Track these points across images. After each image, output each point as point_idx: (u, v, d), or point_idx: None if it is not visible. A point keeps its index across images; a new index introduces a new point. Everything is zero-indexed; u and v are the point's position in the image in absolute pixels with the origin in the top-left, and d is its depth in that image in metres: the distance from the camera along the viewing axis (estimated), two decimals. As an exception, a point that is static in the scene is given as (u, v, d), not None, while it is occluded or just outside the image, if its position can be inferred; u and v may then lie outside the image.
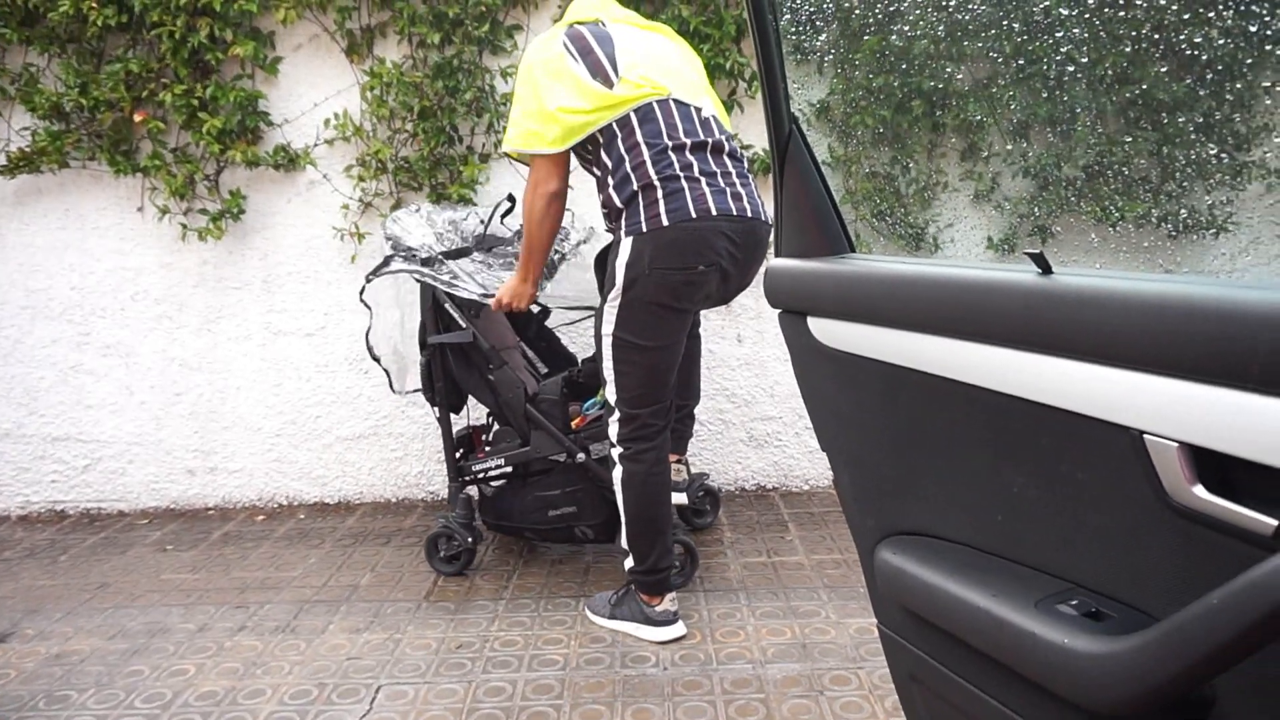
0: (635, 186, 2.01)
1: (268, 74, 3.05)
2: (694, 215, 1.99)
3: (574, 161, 2.18)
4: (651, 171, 2.00)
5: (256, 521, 3.19)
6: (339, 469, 3.31)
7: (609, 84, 2.03)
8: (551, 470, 2.50)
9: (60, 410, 3.29)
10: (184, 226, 3.13)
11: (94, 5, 2.87)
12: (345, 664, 2.15)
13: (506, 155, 2.30)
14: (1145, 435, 0.79)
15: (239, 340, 3.25)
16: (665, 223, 1.98)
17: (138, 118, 3.02)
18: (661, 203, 1.99)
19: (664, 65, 2.12)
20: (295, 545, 2.95)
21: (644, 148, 2.01)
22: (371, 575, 2.67)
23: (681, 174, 2.01)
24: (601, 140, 2.07)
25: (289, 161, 3.08)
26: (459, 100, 2.99)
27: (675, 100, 2.06)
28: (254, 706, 1.98)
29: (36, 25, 3.00)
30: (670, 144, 2.02)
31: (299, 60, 3.07)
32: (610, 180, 2.05)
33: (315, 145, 3.10)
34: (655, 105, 2.04)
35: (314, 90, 3.08)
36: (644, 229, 2.00)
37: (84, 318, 3.25)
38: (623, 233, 2.03)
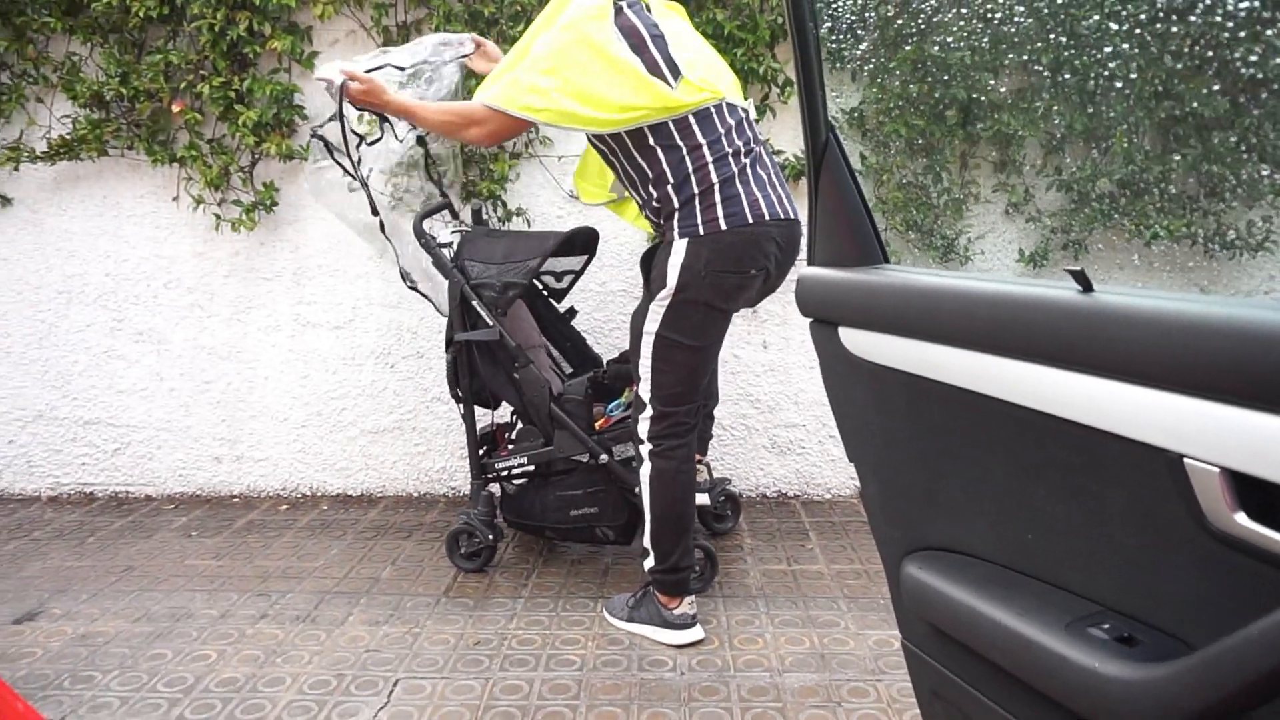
0: (695, 189, 2.01)
1: (304, 68, 3.08)
2: (750, 220, 2.01)
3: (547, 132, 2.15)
4: (714, 175, 2.00)
5: (280, 511, 3.23)
6: (363, 461, 3.34)
7: (669, 83, 1.99)
8: (574, 470, 2.51)
9: (92, 394, 3.35)
10: (218, 217, 3.17)
11: (137, -4, 2.91)
12: (364, 656, 2.17)
13: (487, 106, 2.03)
14: (1185, 459, 0.77)
15: (268, 331, 3.28)
16: (724, 227, 1.99)
17: (176, 108, 3.06)
18: (719, 206, 2.00)
19: (712, 63, 2.13)
20: (318, 536, 2.97)
21: (705, 149, 2.01)
22: (392, 569, 2.69)
23: (736, 175, 2.02)
24: (652, 137, 2.02)
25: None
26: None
27: (728, 104, 2.06)
28: (273, 694, 2.00)
29: (80, 15, 3.05)
30: (729, 150, 2.03)
31: (335, 55, 3.09)
32: (669, 179, 2.03)
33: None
34: (712, 109, 2.03)
35: (349, 85, 3.10)
36: (701, 232, 2.00)
37: (118, 304, 3.29)
38: (676, 234, 2.03)
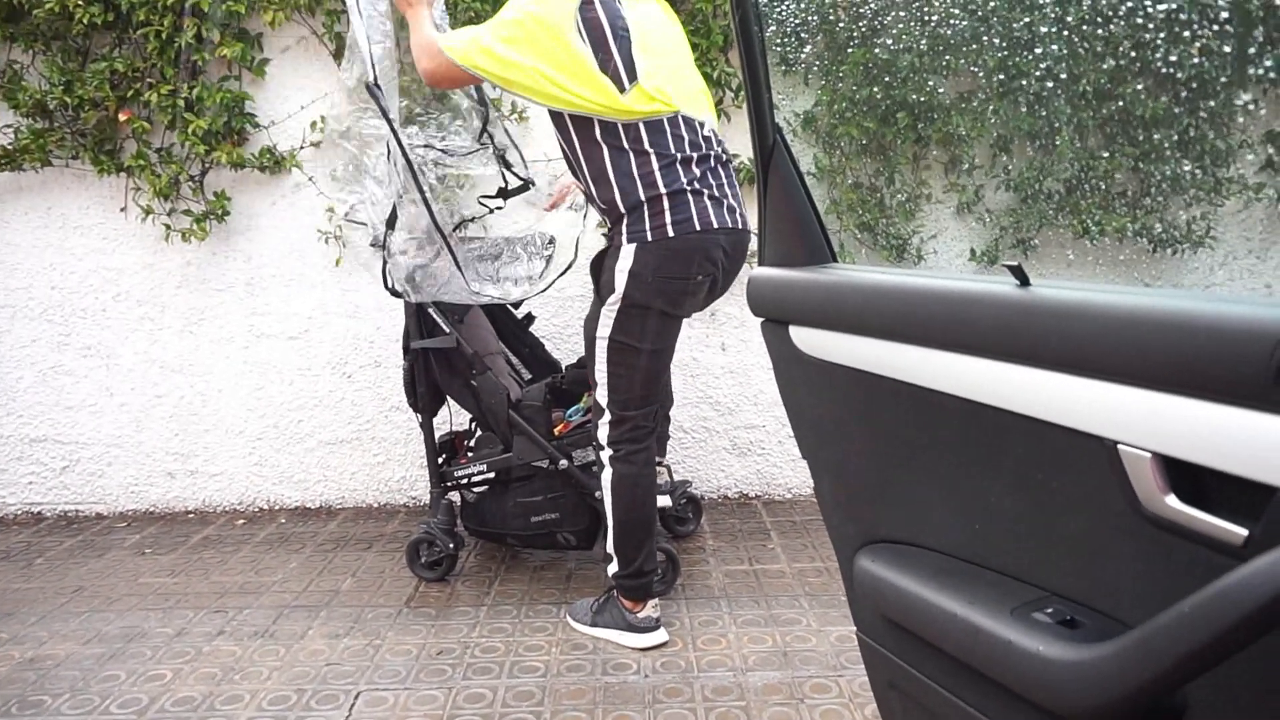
0: (642, 196, 2.01)
1: (255, 75, 3.04)
2: (698, 228, 2.02)
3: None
4: (660, 183, 2.01)
5: (236, 525, 3.17)
6: (320, 473, 3.29)
7: (620, 87, 1.97)
8: (534, 476, 2.50)
9: (39, 411, 3.26)
10: (167, 227, 3.11)
11: (80, 3, 2.85)
12: (324, 669, 2.14)
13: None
14: (1119, 445, 0.80)
15: (221, 343, 3.23)
16: (671, 234, 2.00)
17: (122, 117, 3.00)
18: (668, 214, 2.01)
19: (675, 71, 2.08)
20: (275, 550, 2.92)
21: (653, 158, 2.00)
22: (352, 580, 2.66)
23: (688, 188, 2.02)
24: (600, 132, 2.01)
25: (274, 164, 3.07)
26: (446, 104, 2.98)
27: (683, 116, 2.05)
28: (232, 712, 1.97)
29: (21, 21, 2.98)
30: (678, 157, 2.02)
31: (286, 63, 3.07)
32: (613, 182, 2.03)
33: (301, 148, 3.09)
34: (665, 120, 2.02)
35: (301, 93, 3.07)
36: (649, 238, 2.01)
37: (64, 318, 3.22)
38: (624, 239, 2.04)
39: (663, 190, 2.00)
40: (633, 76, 1.97)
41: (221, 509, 3.31)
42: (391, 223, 2.36)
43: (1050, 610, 0.88)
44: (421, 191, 2.29)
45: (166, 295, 3.20)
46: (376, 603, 2.49)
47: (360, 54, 2.23)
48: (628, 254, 2.03)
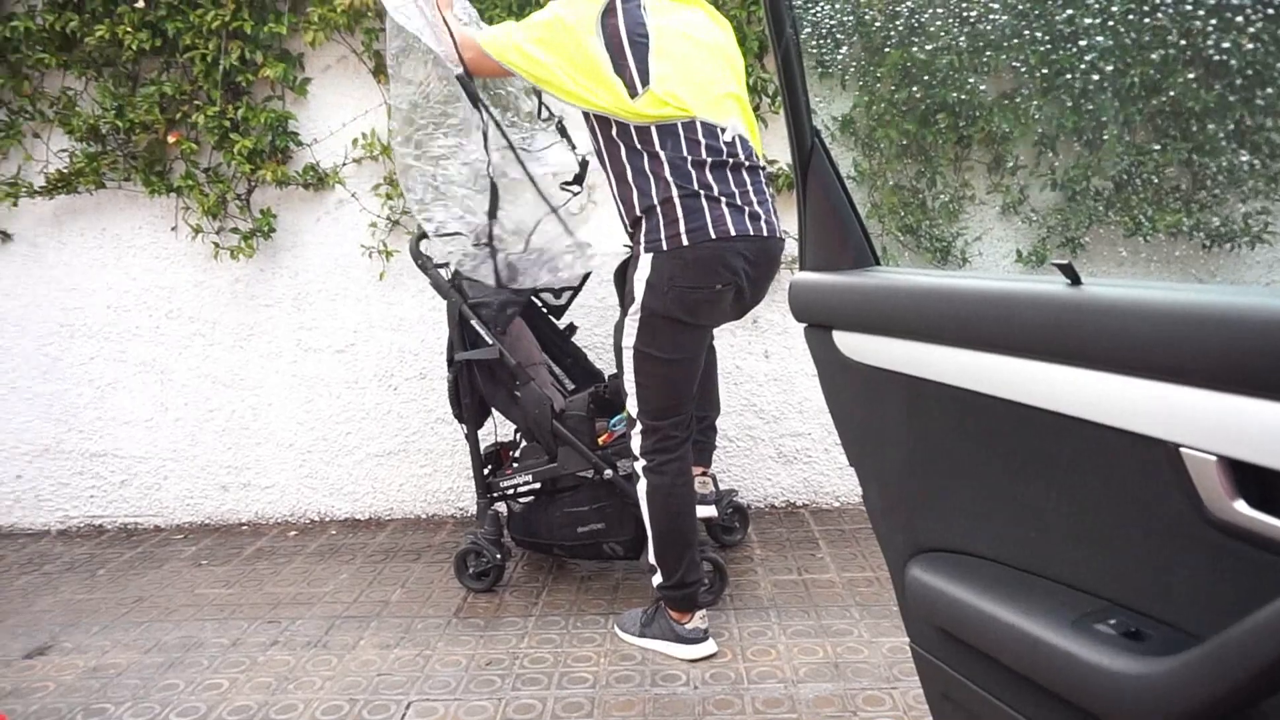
0: (655, 199, 2.02)
1: (297, 95, 3.10)
2: (714, 236, 2.00)
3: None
4: (672, 186, 2.00)
5: (289, 537, 3.22)
6: (369, 485, 3.33)
7: (632, 91, 2.00)
8: (579, 486, 2.50)
9: (98, 426, 3.36)
10: (216, 245, 3.19)
11: (129, 29, 2.94)
12: (376, 680, 2.16)
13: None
14: (1182, 449, 0.77)
15: (270, 357, 3.29)
16: (685, 242, 1.99)
17: (171, 139, 3.08)
18: (682, 221, 2.00)
19: (695, 77, 2.06)
20: (327, 561, 2.97)
21: (665, 162, 2.01)
22: (402, 591, 2.68)
23: (701, 192, 2.01)
24: (616, 131, 2.05)
25: (318, 181, 3.13)
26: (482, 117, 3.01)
27: (702, 122, 2.04)
28: (285, 722, 2.00)
29: (74, 50, 3.08)
30: (690, 159, 2.01)
31: (327, 81, 3.12)
32: (630, 182, 2.05)
33: (343, 164, 3.14)
34: (680, 125, 2.02)
35: (342, 110, 3.13)
36: (664, 247, 2.01)
37: (120, 335, 3.31)
38: (642, 248, 2.05)
39: (675, 195, 2.00)
40: (645, 82, 2.01)
41: (274, 521, 3.37)
42: (493, 211, 2.39)
43: (1114, 621, 0.85)
44: (523, 165, 2.40)
45: (217, 311, 3.28)
46: (426, 613, 2.51)
47: (432, 54, 2.27)
48: (645, 263, 2.04)
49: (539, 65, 2.07)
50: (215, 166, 3.16)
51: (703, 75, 2.10)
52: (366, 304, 3.24)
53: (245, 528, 3.34)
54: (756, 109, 3.02)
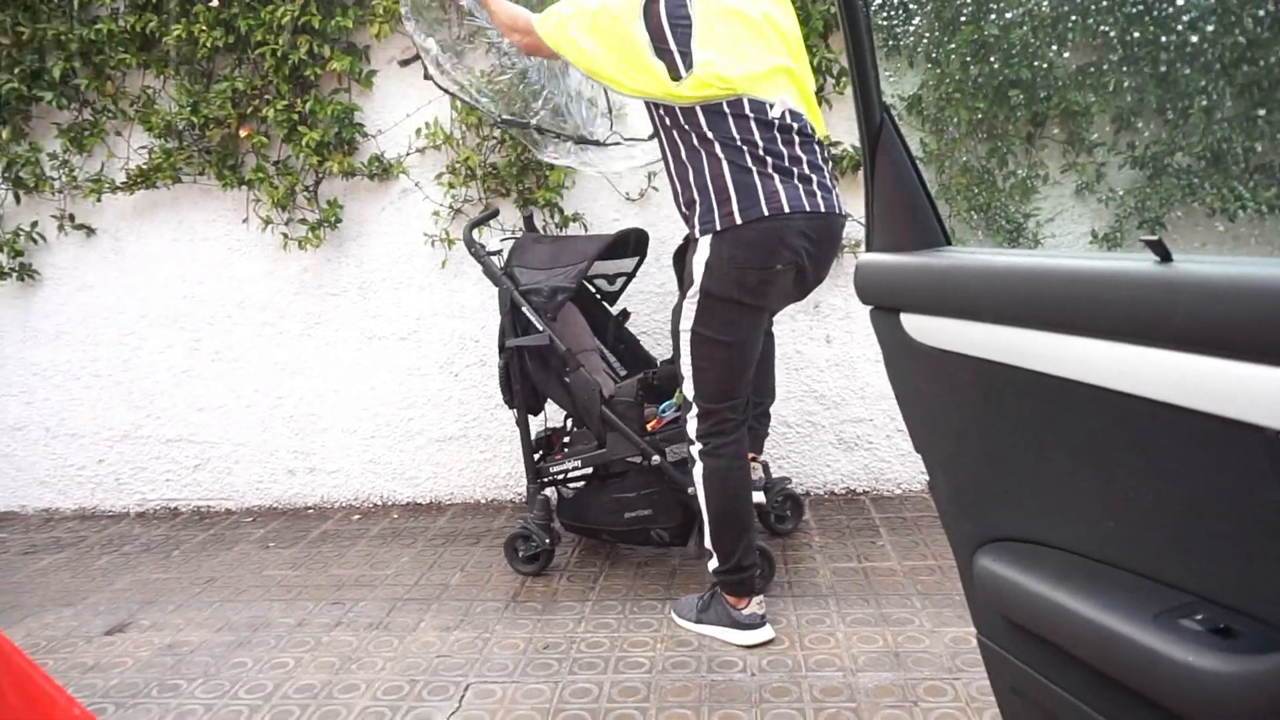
0: (707, 178, 2.00)
1: (363, 87, 3.15)
2: (766, 213, 1.97)
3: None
4: (723, 163, 1.99)
5: (353, 521, 3.29)
6: (430, 470, 3.39)
7: (675, 75, 1.99)
8: (628, 472, 2.50)
9: (174, 413, 3.47)
10: (285, 236, 3.26)
11: (204, 28, 3.02)
12: (435, 661, 2.19)
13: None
14: (1281, 435, 0.72)
15: (336, 345, 3.36)
16: (739, 221, 1.97)
17: (243, 133, 3.16)
18: (734, 200, 1.97)
19: (742, 54, 2.00)
20: (389, 544, 3.02)
21: (714, 140, 2.00)
22: (461, 575, 2.72)
23: (754, 169, 1.98)
24: (664, 113, 2.06)
25: (383, 171, 3.18)
26: (545, 105, 3.02)
27: (750, 99, 2.00)
28: (349, 701, 2.04)
29: (153, 50, 3.18)
30: (740, 137, 1.98)
31: (392, 73, 3.16)
32: (682, 161, 2.05)
33: (407, 154, 3.18)
34: (726, 104, 1.99)
35: (406, 101, 3.16)
36: (719, 227, 1.99)
37: (195, 325, 3.42)
38: (698, 230, 2.03)
39: (726, 173, 1.98)
40: (689, 65, 2.00)
41: (338, 505, 3.44)
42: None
43: (1200, 617, 0.81)
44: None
45: (285, 301, 3.36)
46: (484, 597, 2.54)
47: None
48: (703, 246, 2.02)
49: (586, 55, 2.09)
50: (284, 159, 3.23)
51: (749, 52, 2.03)
52: (429, 292, 3.28)
53: (311, 511, 3.43)
54: (820, 90, 2.96)
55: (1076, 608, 0.91)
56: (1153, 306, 0.81)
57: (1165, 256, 0.82)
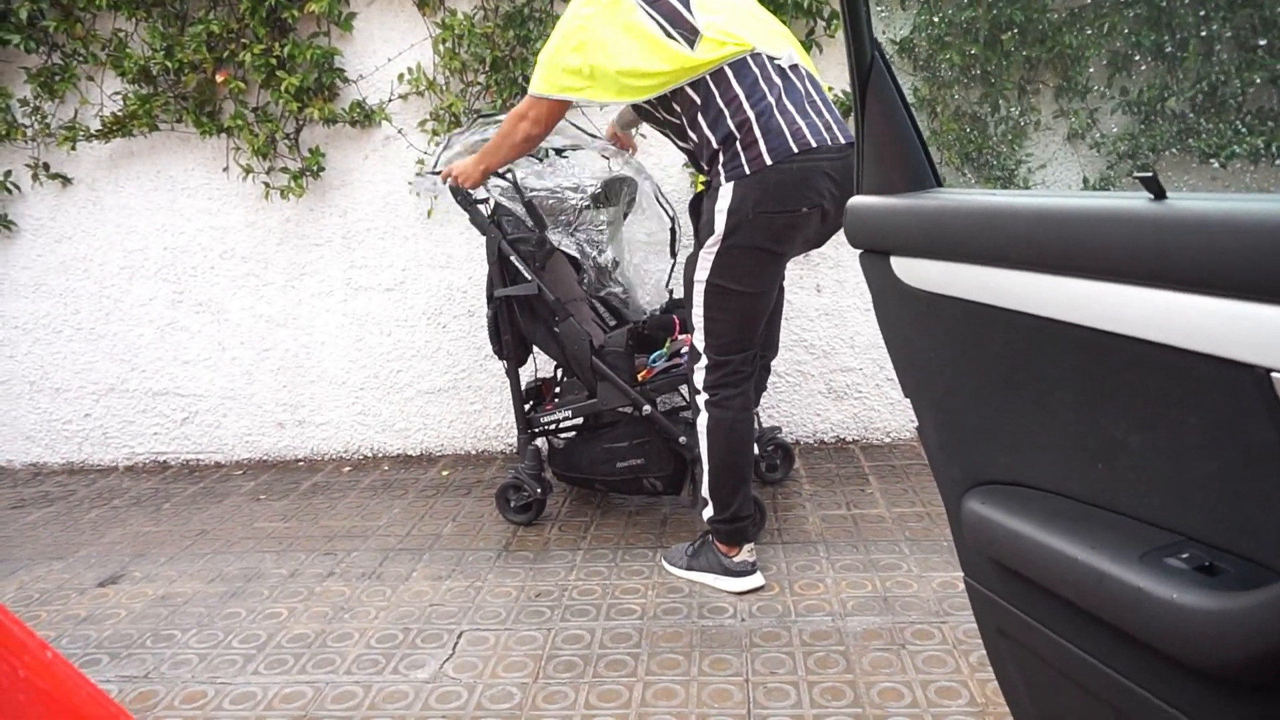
0: (732, 126, 1.98)
1: (342, 30, 3.07)
2: (795, 150, 1.95)
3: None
4: (747, 109, 1.97)
5: (343, 473, 3.30)
6: (420, 422, 3.38)
7: (690, 43, 1.97)
8: (619, 422, 2.51)
9: (159, 366, 3.44)
10: (267, 185, 3.20)
11: (175, -32, 2.92)
12: (429, 610, 2.21)
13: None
14: (1272, 374, 0.71)
15: (321, 296, 3.32)
16: (769, 161, 1.95)
17: (219, 78, 3.08)
18: (761, 142, 1.95)
19: (744, 16, 2.08)
20: (380, 495, 3.03)
21: (739, 91, 1.99)
22: (453, 525, 2.73)
23: (774, 103, 1.98)
24: (675, 93, 2.03)
25: (365, 118, 3.11)
26: (531, 50, 2.95)
27: (765, 54, 2.02)
28: (342, 649, 2.06)
29: (123, -10, 3.08)
30: (762, 84, 2.00)
31: (372, 15, 3.08)
32: (702, 118, 2.01)
33: (390, 100, 3.12)
34: (749, 57, 2.00)
35: (387, 45, 3.09)
36: (746, 171, 1.96)
37: (178, 276, 3.37)
38: (723, 178, 2.00)
39: (751, 116, 1.96)
40: (696, 32, 1.99)
41: (329, 457, 3.44)
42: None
43: (1186, 555, 0.81)
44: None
45: (269, 251, 3.31)
46: (476, 546, 2.56)
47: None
48: (726, 192, 1.99)
49: (592, 81, 2.02)
50: (263, 106, 3.15)
51: (747, 14, 2.11)
52: (415, 242, 3.24)
53: (301, 464, 3.42)
54: (810, 33, 2.91)
55: (1063, 548, 0.91)
56: (1146, 244, 0.80)
57: (1159, 194, 0.80)
